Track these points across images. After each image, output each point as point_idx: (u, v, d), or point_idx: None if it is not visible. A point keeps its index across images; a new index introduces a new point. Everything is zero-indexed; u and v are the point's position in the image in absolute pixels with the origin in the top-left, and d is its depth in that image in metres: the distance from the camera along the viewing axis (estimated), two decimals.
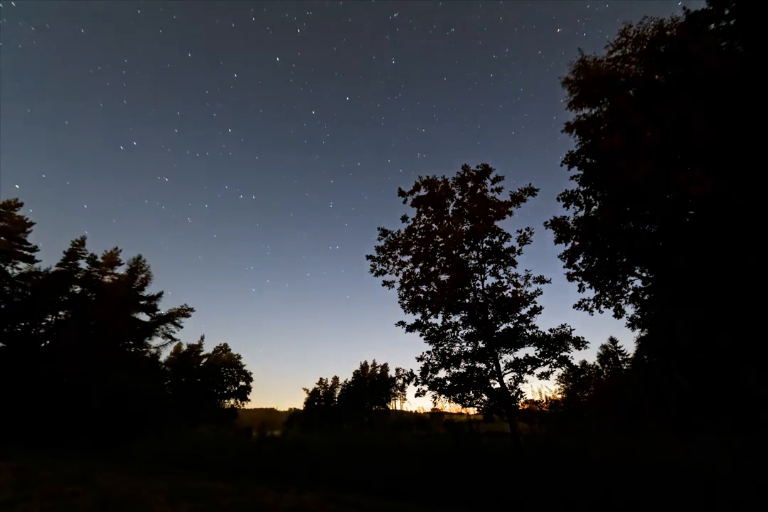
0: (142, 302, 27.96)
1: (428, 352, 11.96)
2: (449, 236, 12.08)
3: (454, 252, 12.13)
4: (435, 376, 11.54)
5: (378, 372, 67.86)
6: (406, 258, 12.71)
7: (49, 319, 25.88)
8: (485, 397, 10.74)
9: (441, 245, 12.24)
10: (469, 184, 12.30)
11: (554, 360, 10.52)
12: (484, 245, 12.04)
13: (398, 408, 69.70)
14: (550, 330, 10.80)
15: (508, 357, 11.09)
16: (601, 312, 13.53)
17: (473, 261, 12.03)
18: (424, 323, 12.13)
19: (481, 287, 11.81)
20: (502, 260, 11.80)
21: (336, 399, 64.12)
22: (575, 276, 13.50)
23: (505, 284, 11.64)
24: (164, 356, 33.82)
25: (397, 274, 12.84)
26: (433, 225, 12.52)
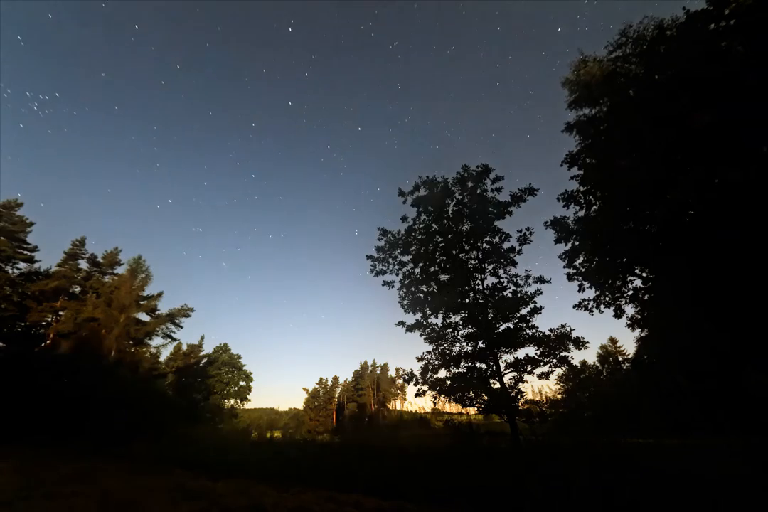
0: (142, 302, 27.96)
1: (428, 352, 11.96)
2: (449, 236, 12.07)
3: (454, 252, 12.12)
4: (435, 376, 11.54)
5: (378, 371, 67.93)
6: (406, 258, 12.71)
7: (49, 319, 25.90)
8: (485, 397, 10.73)
9: (441, 245, 12.24)
10: (469, 184, 12.29)
11: (554, 360, 10.51)
12: (484, 245, 12.03)
13: (398, 408, 69.75)
14: (550, 330, 10.80)
15: (508, 357, 11.09)
16: (601, 312, 13.55)
17: (473, 261, 12.02)
18: (424, 323, 12.13)
19: (481, 287, 11.80)
20: (502, 260, 11.79)
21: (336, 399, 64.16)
22: (575, 276, 13.51)
23: (505, 284, 11.63)
24: (164, 356, 33.82)
25: (397, 274, 12.84)
26: (433, 225, 12.51)
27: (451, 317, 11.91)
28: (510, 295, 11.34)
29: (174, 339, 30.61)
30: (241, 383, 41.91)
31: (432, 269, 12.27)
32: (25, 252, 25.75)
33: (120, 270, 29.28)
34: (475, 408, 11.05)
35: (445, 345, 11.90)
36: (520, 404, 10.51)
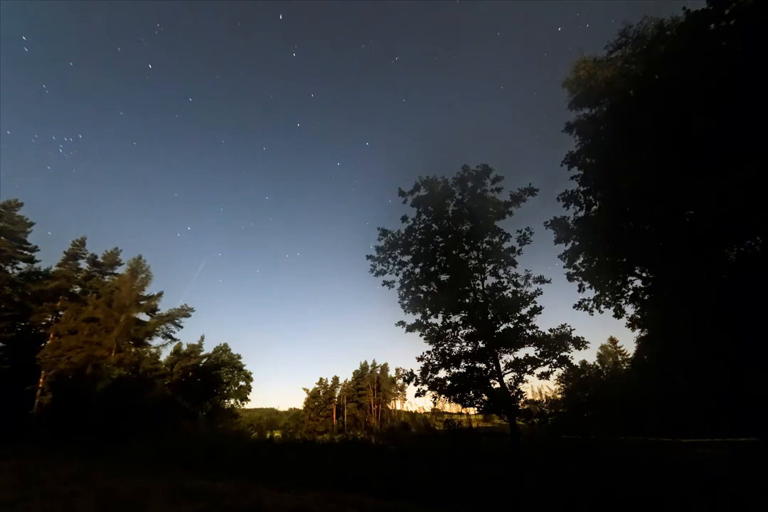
0: (142, 302, 27.96)
1: (428, 352, 11.96)
2: (449, 236, 12.07)
3: (454, 252, 12.11)
4: (435, 376, 11.54)
5: (378, 371, 67.90)
6: (406, 258, 12.70)
7: (50, 319, 25.90)
8: (485, 397, 10.73)
9: (441, 245, 12.23)
10: (469, 184, 12.28)
11: (554, 360, 10.51)
12: (484, 245, 12.02)
13: (398, 408, 69.70)
14: (550, 330, 10.79)
15: (508, 357, 11.09)
16: (601, 312, 13.53)
17: (473, 261, 12.01)
18: (424, 323, 12.12)
19: (481, 287, 11.79)
20: (502, 260, 11.79)
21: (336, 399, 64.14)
22: (575, 277, 13.49)
23: (505, 284, 11.63)
24: (164, 356, 33.81)
25: (397, 274, 12.84)
26: (433, 225, 12.51)
27: (451, 317, 11.91)
28: (510, 295, 11.34)
29: (174, 339, 30.65)
30: (241, 383, 41.86)
31: (432, 269, 12.27)
32: (26, 252, 25.75)
33: (120, 270, 29.30)
34: (475, 408, 11.05)
35: (445, 345, 11.90)
36: (520, 404, 10.51)
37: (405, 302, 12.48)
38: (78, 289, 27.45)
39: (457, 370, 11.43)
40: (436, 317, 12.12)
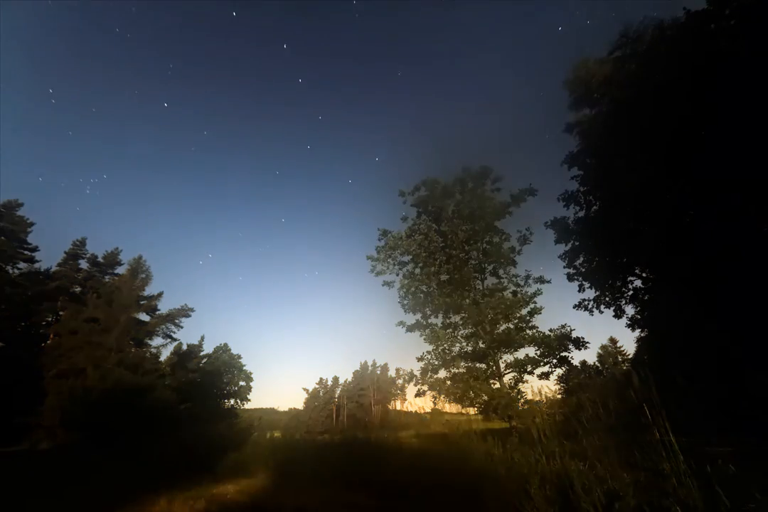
0: (142, 302, 27.96)
1: (428, 352, 11.97)
2: (449, 236, 12.08)
3: (454, 252, 12.13)
4: (435, 376, 11.55)
5: (378, 372, 67.91)
6: (406, 258, 12.72)
7: (50, 319, 25.91)
8: (485, 397, 10.74)
9: (441, 245, 12.24)
10: (469, 185, 12.29)
11: (554, 361, 10.53)
12: (484, 245, 12.03)
13: (398, 408, 69.71)
14: (550, 331, 10.81)
15: (508, 358, 11.10)
16: (601, 312, 13.51)
17: (473, 262, 12.02)
18: (424, 323, 12.14)
19: (481, 287, 11.80)
20: (502, 260, 11.79)
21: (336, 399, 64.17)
22: (575, 277, 13.49)
23: (505, 284, 11.64)
24: (164, 356, 33.80)
25: (397, 274, 12.85)
26: (433, 225, 12.52)
27: (451, 317, 11.92)
28: (510, 295, 11.35)
29: (174, 339, 30.58)
30: (241, 383, 41.84)
31: (432, 269, 12.28)
32: (26, 252, 25.76)
33: (120, 270, 29.29)
34: (475, 408, 11.06)
35: (445, 345, 11.91)
36: (520, 404, 10.51)
37: (405, 302, 12.49)
38: (78, 289, 27.45)
39: (457, 370, 11.45)
40: (436, 317, 12.15)
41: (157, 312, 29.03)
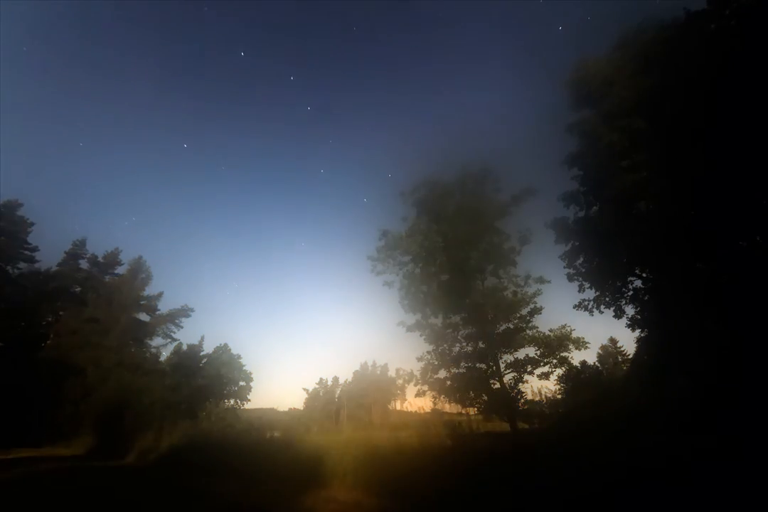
0: (142, 302, 27.99)
1: (428, 352, 11.97)
2: (449, 236, 12.08)
3: (454, 252, 12.13)
4: (435, 376, 11.55)
5: (378, 372, 67.92)
6: (407, 258, 12.71)
7: (50, 319, 25.90)
8: (485, 398, 10.74)
9: (441, 245, 12.24)
10: (469, 185, 12.30)
11: (554, 361, 10.53)
12: (484, 245, 12.03)
13: (398, 408, 69.71)
14: (550, 331, 10.81)
15: (508, 358, 11.10)
16: (601, 312, 13.50)
17: (473, 262, 12.02)
18: (425, 323, 12.13)
19: (481, 287, 11.80)
20: (502, 260, 11.80)
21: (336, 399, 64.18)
22: (575, 277, 13.47)
23: (505, 284, 11.64)
24: (164, 356, 33.82)
25: (397, 274, 12.85)
26: (434, 225, 12.52)
27: (451, 317, 11.92)
28: (510, 296, 11.36)
29: (174, 339, 30.66)
30: (241, 383, 41.85)
31: (432, 269, 12.28)
32: (26, 252, 25.74)
33: (120, 270, 29.29)
34: (475, 409, 11.06)
35: (445, 345, 11.91)
36: (520, 404, 10.52)
37: (405, 302, 12.50)
38: (78, 289, 27.45)
39: (457, 370, 11.45)
40: (436, 317, 12.14)
41: (157, 312, 29.11)
